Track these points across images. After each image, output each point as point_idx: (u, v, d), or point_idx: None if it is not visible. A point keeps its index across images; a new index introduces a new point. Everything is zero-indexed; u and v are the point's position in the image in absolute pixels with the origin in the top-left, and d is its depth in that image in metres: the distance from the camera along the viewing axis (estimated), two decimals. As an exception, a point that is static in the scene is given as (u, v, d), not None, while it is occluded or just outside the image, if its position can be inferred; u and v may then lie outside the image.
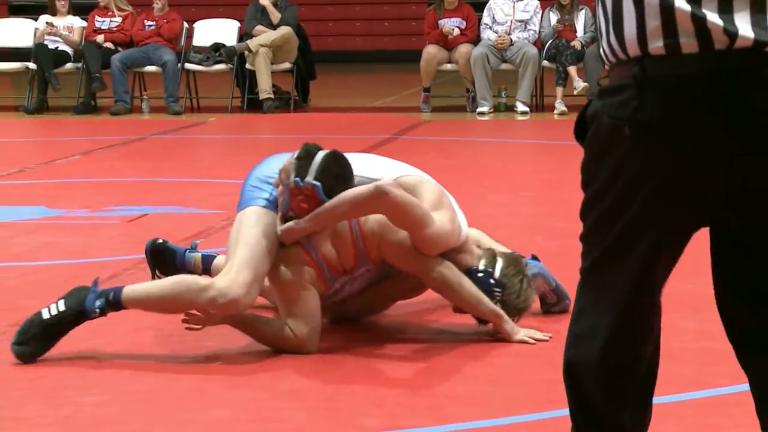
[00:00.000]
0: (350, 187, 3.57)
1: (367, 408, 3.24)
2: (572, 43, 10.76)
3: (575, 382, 2.10)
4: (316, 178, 3.55)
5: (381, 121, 10.70)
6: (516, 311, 3.76)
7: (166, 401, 3.34)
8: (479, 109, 10.92)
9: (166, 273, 4.25)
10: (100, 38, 11.47)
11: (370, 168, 3.77)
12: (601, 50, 2.03)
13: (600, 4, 2.03)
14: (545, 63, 10.92)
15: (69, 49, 11.56)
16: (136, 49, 11.44)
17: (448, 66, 11.13)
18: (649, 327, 2.10)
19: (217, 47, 11.47)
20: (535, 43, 10.96)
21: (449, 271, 3.64)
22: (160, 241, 4.40)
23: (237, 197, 6.67)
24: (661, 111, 1.91)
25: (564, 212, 6.04)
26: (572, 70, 10.68)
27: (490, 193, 6.71)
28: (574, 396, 2.11)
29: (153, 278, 4.25)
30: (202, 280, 3.66)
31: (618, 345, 2.06)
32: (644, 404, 2.13)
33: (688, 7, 1.90)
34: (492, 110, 10.98)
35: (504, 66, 10.95)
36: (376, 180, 3.59)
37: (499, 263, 3.76)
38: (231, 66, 11.39)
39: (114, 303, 3.62)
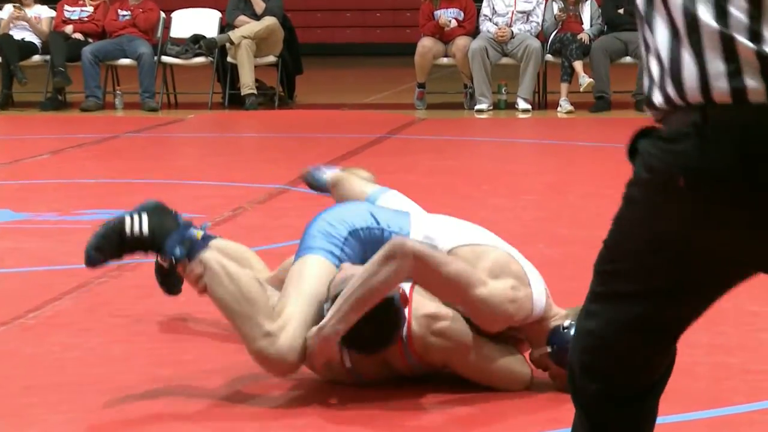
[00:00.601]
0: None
1: (365, 420, 3.24)
2: (578, 36, 10.78)
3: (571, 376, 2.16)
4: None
5: (372, 119, 10.71)
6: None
7: (162, 406, 3.34)
8: (477, 107, 10.93)
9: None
10: (68, 29, 11.46)
11: (430, 230, 3.56)
12: (653, 99, 1.99)
13: (646, 47, 1.99)
14: (549, 57, 10.94)
15: (37, 41, 11.56)
16: (109, 40, 11.44)
17: (445, 60, 11.15)
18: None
19: (197, 39, 11.47)
20: (538, 36, 10.97)
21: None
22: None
23: (218, 200, 6.78)
24: (721, 163, 1.90)
25: (568, 217, 6.05)
26: (578, 65, 10.70)
27: (490, 197, 6.72)
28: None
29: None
30: (267, 323, 3.35)
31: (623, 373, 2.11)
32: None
33: (752, 45, 1.89)
34: (491, 108, 11.00)
35: (504, 60, 10.97)
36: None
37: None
38: (211, 59, 11.40)
39: (192, 253, 3.42)
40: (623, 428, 2.12)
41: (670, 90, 1.95)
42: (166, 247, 3.47)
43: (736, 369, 3.64)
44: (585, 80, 10.64)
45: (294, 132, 9.95)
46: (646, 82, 2.03)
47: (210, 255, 3.43)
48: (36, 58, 11.56)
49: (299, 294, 3.43)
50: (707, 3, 1.92)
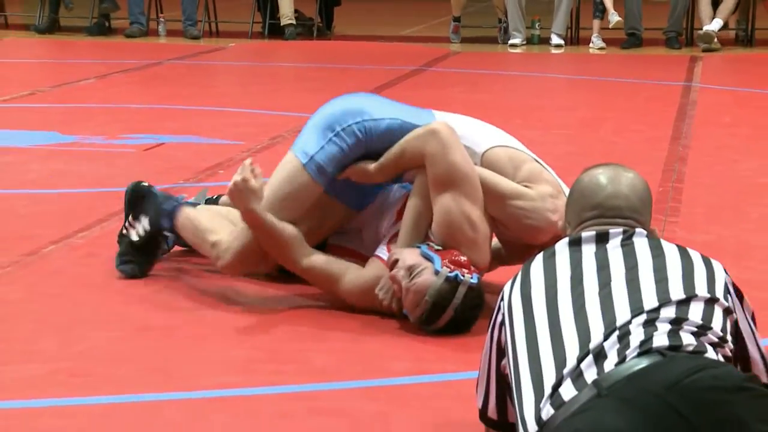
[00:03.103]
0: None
1: (392, 352, 3.26)
2: (612, -27, 10.62)
3: None
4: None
5: (408, 51, 10.62)
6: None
7: (182, 339, 3.36)
8: (511, 41, 10.82)
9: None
10: (115, -44, 11.40)
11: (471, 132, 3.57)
12: None
13: None
14: (582, -6, 10.80)
15: (83, -33, 11.51)
16: (153, -32, 11.37)
17: (480, -5, 11.02)
18: None
19: (238, -31, 11.37)
20: (572, -27, 10.83)
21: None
22: (145, 184, 3.98)
23: (257, 128, 6.77)
24: None
25: (599, 152, 6.00)
26: (609, 1, 10.55)
27: (521, 130, 6.61)
28: None
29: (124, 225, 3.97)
30: (218, 233, 3.67)
31: None
32: None
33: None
34: (525, 42, 10.88)
35: (539, -4, 10.84)
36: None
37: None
38: (252, -11, 11.32)
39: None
40: None
41: None
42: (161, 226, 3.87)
43: (764, 303, 3.60)
44: (614, 18, 10.50)
45: (332, 62, 9.89)
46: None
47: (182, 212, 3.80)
48: (82, -16, 11.51)
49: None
50: None
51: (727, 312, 2.30)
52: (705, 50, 10.19)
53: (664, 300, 2.24)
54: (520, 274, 2.39)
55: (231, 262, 3.60)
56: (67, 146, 6.03)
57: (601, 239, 2.36)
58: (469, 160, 3.42)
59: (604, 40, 10.64)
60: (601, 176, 2.44)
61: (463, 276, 3.29)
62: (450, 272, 3.29)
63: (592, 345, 2.18)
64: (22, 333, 3.40)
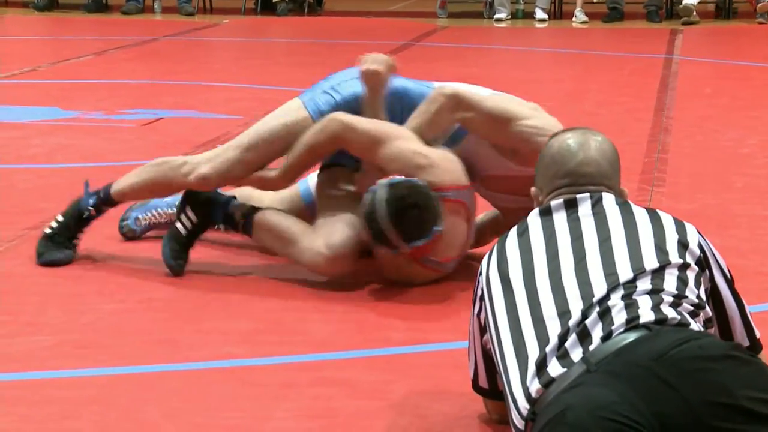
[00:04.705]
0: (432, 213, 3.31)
1: (392, 322, 3.22)
2: (594, -50, 10.54)
3: None
4: (405, 238, 3.27)
5: (396, 26, 10.54)
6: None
7: (187, 310, 3.32)
8: (497, 16, 10.75)
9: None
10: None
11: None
12: None
13: None
14: (565, -31, 10.72)
15: (80, -54, 11.36)
16: (148, -53, 11.23)
17: (466, -29, 10.93)
18: None
19: (231, -53, 11.25)
20: (555, -51, 10.74)
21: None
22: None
23: (252, 102, 6.70)
24: None
25: (585, 124, 5.91)
26: (592, -23, 10.49)
27: (510, 103, 6.62)
28: None
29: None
30: (180, 157, 3.64)
31: None
32: None
33: None
34: (509, 17, 10.81)
35: (523, -28, 10.76)
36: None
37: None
38: (244, -34, 11.20)
39: (105, 198, 3.68)
40: None
41: None
42: (81, 207, 3.70)
43: (750, 271, 3.58)
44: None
45: (323, 38, 9.81)
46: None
47: (114, 183, 3.67)
48: (79, -38, 11.36)
49: (253, 126, 3.58)
50: None
51: (702, 275, 2.29)
52: (685, 23, 10.13)
53: (638, 270, 2.22)
54: (495, 249, 2.37)
55: (207, 172, 3.53)
56: (67, 121, 5.96)
57: (570, 205, 2.34)
58: (376, 121, 3.45)
59: (586, 14, 10.58)
60: (571, 141, 2.41)
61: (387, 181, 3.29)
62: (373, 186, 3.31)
63: (572, 322, 2.16)
64: (28, 306, 3.35)
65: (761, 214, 4.27)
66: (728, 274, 2.38)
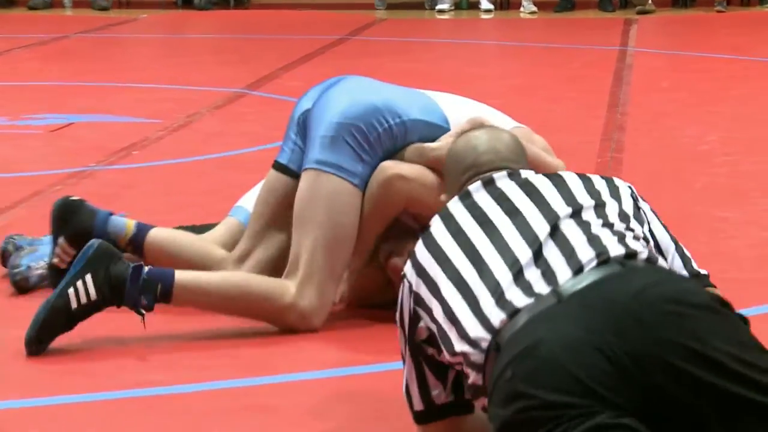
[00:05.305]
0: None
1: (322, 344, 3.22)
2: (541, -66, 10.64)
3: None
4: None
5: (331, 19, 10.56)
6: None
7: (101, 336, 3.29)
8: (439, 6, 10.80)
9: (76, 242, 3.40)
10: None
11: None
12: None
13: None
14: (512, -44, 10.81)
15: (-20, -64, 11.25)
16: (56, -65, 11.15)
17: (405, -42, 10.98)
18: None
19: (148, -65, 11.20)
20: (500, -66, 10.83)
21: None
22: (75, 198, 3.56)
23: (173, 104, 6.68)
24: None
25: (535, 122, 5.95)
26: (541, -36, 10.58)
27: (453, 101, 6.66)
28: None
29: (53, 248, 3.48)
30: (280, 289, 3.21)
31: None
32: None
33: None
34: (453, 8, 10.87)
35: (466, -41, 10.82)
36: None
37: None
38: (163, -44, 11.16)
39: (163, 295, 3.15)
40: None
41: None
42: (127, 303, 3.12)
43: (714, 279, 3.61)
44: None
45: (250, 33, 9.80)
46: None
47: (179, 278, 3.15)
48: (-21, -46, 11.26)
49: (315, 233, 3.18)
50: None
51: (638, 213, 2.40)
52: (639, 12, 10.26)
53: (577, 207, 2.33)
54: (415, 247, 2.41)
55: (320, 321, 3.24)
56: (-33, 129, 5.90)
57: (489, 183, 2.44)
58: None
59: (535, 4, 10.67)
60: (471, 139, 2.58)
61: None
62: None
63: (525, 260, 2.24)
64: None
65: (721, 215, 4.34)
66: (659, 217, 2.50)
